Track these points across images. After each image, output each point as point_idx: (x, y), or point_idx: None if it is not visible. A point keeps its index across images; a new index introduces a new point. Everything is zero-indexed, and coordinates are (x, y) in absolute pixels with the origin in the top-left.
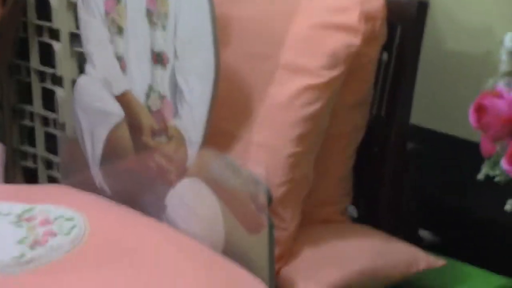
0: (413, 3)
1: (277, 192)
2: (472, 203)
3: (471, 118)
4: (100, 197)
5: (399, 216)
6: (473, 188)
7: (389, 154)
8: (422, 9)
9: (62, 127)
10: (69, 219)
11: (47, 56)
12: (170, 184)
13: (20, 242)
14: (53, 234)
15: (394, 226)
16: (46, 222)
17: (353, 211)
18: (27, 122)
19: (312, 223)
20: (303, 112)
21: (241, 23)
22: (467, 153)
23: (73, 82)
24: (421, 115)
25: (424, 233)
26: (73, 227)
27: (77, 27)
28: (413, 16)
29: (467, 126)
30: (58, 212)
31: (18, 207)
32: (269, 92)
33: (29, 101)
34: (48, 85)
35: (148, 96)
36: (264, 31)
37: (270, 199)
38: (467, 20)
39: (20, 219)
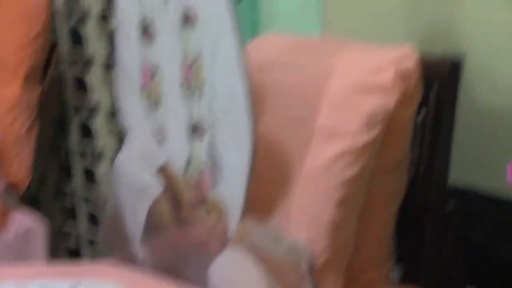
0: (447, 60)
1: (319, 258)
2: None
3: (509, 176)
4: (143, 272)
5: (443, 275)
6: None
7: (429, 213)
8: (457, 65)
9: (105, 204)
10: None
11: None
12: (212, 256)
13: None
14: None
15: (439, 286)
16: None
17: (396, 272)
18: (66, 200)
19: None
20: (342, 176)
21: (275, 91)
22: (508, 211)
23: (112, 157)
24: (459, 173)
25: None
26: None
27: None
28: (447, 73)
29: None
30: (104, 286)
31: (64, 284)
32: (307, 158)
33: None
34: (89, 163)
35: (186, 168)
36: (299, 96)
37: (312, 267)
38: (503, 74)
39: None
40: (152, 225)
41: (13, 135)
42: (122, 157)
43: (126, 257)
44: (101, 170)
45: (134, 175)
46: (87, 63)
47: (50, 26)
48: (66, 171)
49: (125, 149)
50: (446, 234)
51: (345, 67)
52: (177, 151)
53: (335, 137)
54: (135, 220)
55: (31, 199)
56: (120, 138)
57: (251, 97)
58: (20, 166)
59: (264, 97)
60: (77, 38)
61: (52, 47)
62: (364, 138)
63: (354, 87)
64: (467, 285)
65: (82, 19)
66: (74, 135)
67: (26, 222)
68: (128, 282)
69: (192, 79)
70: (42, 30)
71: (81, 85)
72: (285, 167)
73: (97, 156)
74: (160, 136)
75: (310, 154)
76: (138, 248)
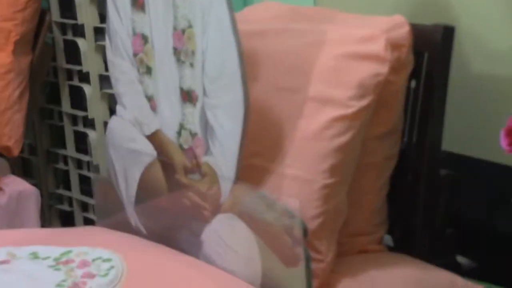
0: (439, 29)
1: (312, 225)
2: (509, 227)
3: (503, 141)
4: (136, 237)
5: (435, 243)
6: (509, 211)
7: (422, 181)
8: (448, 34)
9: (96, 169)
10: (107, 260)
11: (79, 100)
12: (205, 220)
13: (59, 285)
14: (92, 276)
15: (431, 253)
16: (83, 264)
17: (388, 240)
18: (61, 165)
19: (348, 254)
20: (333, 144)
21: (268, 57)
22: (500, 176)
23: (105, 124)
24: (452, 140)
25: (462, 259)
26: (110, 268)
27: (106, 69)
28: (439, 41)
29: (498, 149)
30: (95, 253)
31: (55, 251)
32: (299, 125)
33: (63, 145)
34: (81, 128)
35: (179, 134)
36: (291, 64)
37: (305, 232)
38: (495, 42)
39: (58, 263)
40: (145, 190)
41: (4, 101)
42: (114, 122)
43: (119, 221)
44: (93, 134)
45: (126, 140)
46: (78, 29)
47: None
48: (58, 136)
49: (117, 114)
50: (438, 201)
51: (337, 36)
52: (170, 117)
53: (327, 105)
54: (127, 185)
55: (24, 163)
56: (111, 103)
57: (244, 64)
58: (12, 132)
59: (256, 64)
60: (68, 4)
61: (43, 14)
62: (355, 106)
63: (346, 55)
64: (458, 253)
65: None
66: (66, 101)
67: (18, 187)
68: (119, 248)
69: (183, 46)
70: None
71: (72, 51)
72: (277, 134)
73: (89, 121)
74: (152, 102)
75: (302, 122)
76: (131, 212)
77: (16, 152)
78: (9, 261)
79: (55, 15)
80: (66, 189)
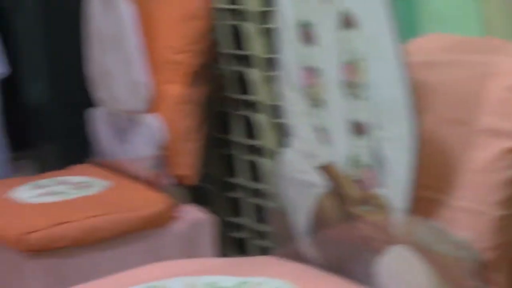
0: None
1: (488, 256)
2: None
3: None
4: (310, 267)
5: None
6: None
7: None
8: None
9: (269, 197)
10: None
11: (248, 129)
12: (378, 252)
13: None
14: None
15: None
16: None
17: None
18: (233, 193)
19: None
20: (507, 175)
21: (437, 89)
22: None
23: (275, 152)
24: None
25: None
26: None
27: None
28: None
29: None
30: (272, 284)
31: (232, 280)
32: (469, 157)
33: (235, 174)
34: (252, 157)
35: (350, 166)
36: (460, 95)
37: (481, 264)
38: None
39: None
40: (317, 222)
41: (180, 132)
42: (285, 154)
43: (293, 251)
44: (265, 164)
45: (298, 171)
46: (248, 61)
47: (212, 26)
48: (230, 165)
49: (288, 146)
50: None
51: (508, 67)
52: (340, 149)
53: (499, 136)
54: (299, 216)
55: (199, 193)
56: (282, 133)
57: (413, 96)
58: (189, 162)
59: (425, 95)
60: (237, 36)
61: (213, 46)
62: None
63: None
64: None
65: (242, 17)
66: (237, 131)
67: (195, 215)
68: (295, 279)
69: (352, 80)
70: (205, 29)
71: (243, 82)
72: (448, 165)
73: (260, 151)
74: (322, 134)
75: (472, 153)
76: (304, 243)
77: (193, 181)
78: None
79: (224, 46)
80: (238, 217)
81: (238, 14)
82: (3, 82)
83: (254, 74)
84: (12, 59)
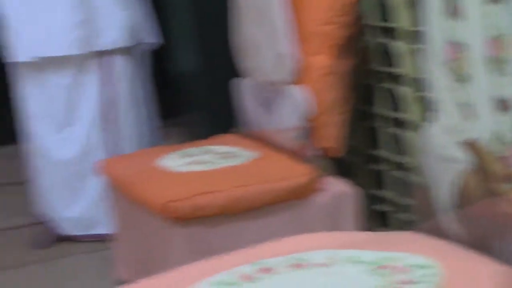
0: None
1: None
2: None
3: None
4: (452, 244)
5: None
6: None
7: None
8: None
9: (413, 171)
10: (425, 267)
11: (393, 101)
12: None
13: None
14: (410, 283)
15: None
16: (401, 270)
17: None
18: (377, 166)
19: None
20: None
21: None
22: None
23: (419, 126)
24: None
25: None
26: (429, 276)
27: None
28: None
29: None
30: (413, 260)
31: (374, 255)
32: None
33: (378, 146)
34: (396, 130)
35: (494, 142)
36: None
37: None
38: None
39: (376, 267)
40: (460, 198)
41: (326, 103)
42: (429, 128)
43: (435, 227)
44: (408, 137)
45: (441, 147)
46: (393, 33)
47: None
48: (374, 138)
49: (432, 121)
50: None
51: None
52: (484, 125)
53: None
54: (441, 191)
55: (343, 165)
56: (426, 107)
57: None
58: (334, 134)
59: None
60: (383, 8)
61: (359, 18)
62: None
63: None
64: None
65: None
66: (381, 103)
67: (339, 188)
68: (438, 256)
69: (498, 55)
70: (351, 1)
71: (387, 55)
72: None
73: (404, 124)
74: (466, 110)
75: None
76: (446, 220)
77: (338, 153)
78: (329, 264)
79: (370, 18)
80: (382, 190)
81: None
82: (155, 52)
83: (399, 47)
84: (163, 30)
